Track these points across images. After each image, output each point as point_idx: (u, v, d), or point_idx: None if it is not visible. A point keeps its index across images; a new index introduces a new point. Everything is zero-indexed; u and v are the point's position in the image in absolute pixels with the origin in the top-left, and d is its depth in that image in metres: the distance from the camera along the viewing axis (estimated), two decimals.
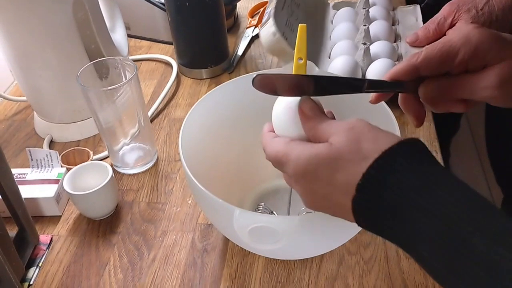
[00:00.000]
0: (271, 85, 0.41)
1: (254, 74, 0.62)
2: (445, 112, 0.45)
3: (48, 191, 0.63)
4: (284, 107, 0.44)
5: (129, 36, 0.98)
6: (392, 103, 0.51)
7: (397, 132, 0.53)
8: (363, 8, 0.84)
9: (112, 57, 0.69)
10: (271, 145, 0.42)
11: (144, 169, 0.71)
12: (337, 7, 0.93)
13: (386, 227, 0.34)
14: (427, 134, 0.75)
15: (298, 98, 0.43)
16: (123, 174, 0.71)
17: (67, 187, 0.61)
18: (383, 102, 0.55)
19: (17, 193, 0.57)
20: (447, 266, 0.30)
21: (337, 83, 0.44)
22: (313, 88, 0.42)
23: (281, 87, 0.41)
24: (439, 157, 0.71)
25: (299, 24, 0.54)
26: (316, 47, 0.85)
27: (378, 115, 0.55)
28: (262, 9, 1.02)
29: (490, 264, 0.28)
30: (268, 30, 0.74)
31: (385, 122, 0.55)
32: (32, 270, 0.58)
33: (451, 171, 0.34)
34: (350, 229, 0.51)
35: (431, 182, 0.32)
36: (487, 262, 0.28)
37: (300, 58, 0.52)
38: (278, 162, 0.41)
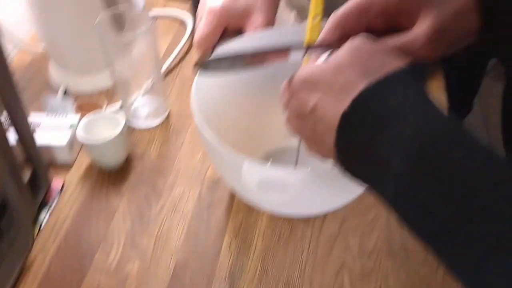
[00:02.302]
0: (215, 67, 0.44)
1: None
2: None
3: (61, 139, 0.65)
4: None
5: None
6: None
7: None
8: None
9: (129, 8, 0.69)
10: None
11: (155, 124, 0.72)
12: None
13: (367, 139, 0.34)
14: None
15: None
16: (135, 127, 0.72)
17: (80, 135, 0.63)
18: None
19: (31, 136, 0.59)
20: (421, 178, 0.31)
21: (263, 53, 0.44)
22: (241, 63, 0.43)
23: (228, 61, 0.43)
24: None
25: None
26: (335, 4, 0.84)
27: None
28: None
29: (469, 174, 0.30)
30: None
31: None
32: (43, 214, 0.60)
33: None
34: (356, 187, 0.51)
35: (424, 102, 0.33)
36: (466, 172, 0.30)
37: (316, 16, 0.51)
38: (289, 81, 0.42)
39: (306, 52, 0.45)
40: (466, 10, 0.41)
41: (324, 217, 0.59)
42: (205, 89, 0.59)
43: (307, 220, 0.59)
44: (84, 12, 0.72)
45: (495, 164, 0.30)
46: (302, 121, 0.40)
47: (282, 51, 0.45)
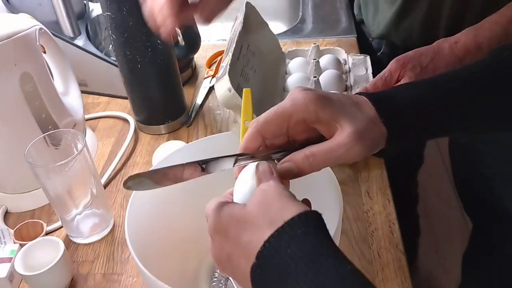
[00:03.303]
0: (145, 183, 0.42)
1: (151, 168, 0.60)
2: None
3: (0, 271, 0.63)
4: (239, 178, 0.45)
5: (87, 92, 0.99)
6: None
7: (339, 193, 0.54)
8: (313, 59, 0.86)
9: (62, 129, 0.69)
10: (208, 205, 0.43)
11: (100, 237, 0.71)
12: (290, 56, 0.95)
13: None
14: (379, 182, 0.76)
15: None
16: (79, 244, 0.70)
17: (18, 267, 0.61)
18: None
19: None
20: None
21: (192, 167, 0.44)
22: (178, 177, 0.43)
23: (156, 181, 0.42)
24: (391, 205, 0.73)
25: (244, 89, 0.55)
26: (271, 98, 0.87)
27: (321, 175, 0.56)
28: (219, 58, 1.04)
29: None
30: (223, 85, 0.75)
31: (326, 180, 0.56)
32: None
33: (336, 247, 0.36)
34: None
35: (320, 256, 0.35)
36: None
37: (247, 121, 0.53)
38: (206, 217, 0.42)
39: (235, 162, 0.45)
40: (375, 119, 0.44)
41: None
42: (145, 200, 0.58)
43: None
44: (19, 134, 0.71)
45: None
46: (223, 267, 0.40)
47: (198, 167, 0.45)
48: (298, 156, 0.43)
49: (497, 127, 0.53)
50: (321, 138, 0.45)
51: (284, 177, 0.42)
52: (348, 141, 0.42)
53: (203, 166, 0.42)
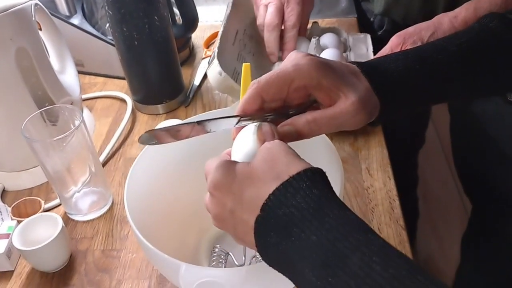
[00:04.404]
0: (157, 138, 0.43)
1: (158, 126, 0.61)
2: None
3: None
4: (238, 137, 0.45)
5: (83, 73, 0.98)
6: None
7: (339, 163, 0.54)
8: (314, 37, 0.85)
9: (59, 105, 0.68)
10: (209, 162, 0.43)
11: (98, 215, 0.70)
12: None
13: (278, 244, 0.36)
14: (380, 159, 0.76)
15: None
16: (77, 221, 0.69)
17: (16, 242, 0.60)
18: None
19: None
20: (325, 281, 0.33)
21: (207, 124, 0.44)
22: (190, 132, 0.43)
23: (165, 137, 0.43)
24: (392, 182, 0.72)
25: (243, 64, 0.55)
26: None
27: (320, 146, 0.56)
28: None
29: (364, 277, 0.31)
30: (214, 69, 0.75)
31: (327, 152, 0.56)
32: None
33: (340, 200, 0.37)
34: None
35: (324, 207, 0.35)
36: (362, 276, 0.31)
37: None
38: (206, 175, 0.42)
39: (237, 122, 0.45)
40: (370, 89, 0.44)
41: None
42: (146, 175, 0.58)
43: None
44: (15, 111, 0.70)
45: (391, 269, 0.31)
46: (223, 221, 0.40)
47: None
48: (299, 121, 0.43)
49: (487, 94, 0.54)
50: (311, 105, 0.45)
51: (283, 140, 0.42)
52: (352, 109, 0.43)
53: (207, 124, 0.43)
